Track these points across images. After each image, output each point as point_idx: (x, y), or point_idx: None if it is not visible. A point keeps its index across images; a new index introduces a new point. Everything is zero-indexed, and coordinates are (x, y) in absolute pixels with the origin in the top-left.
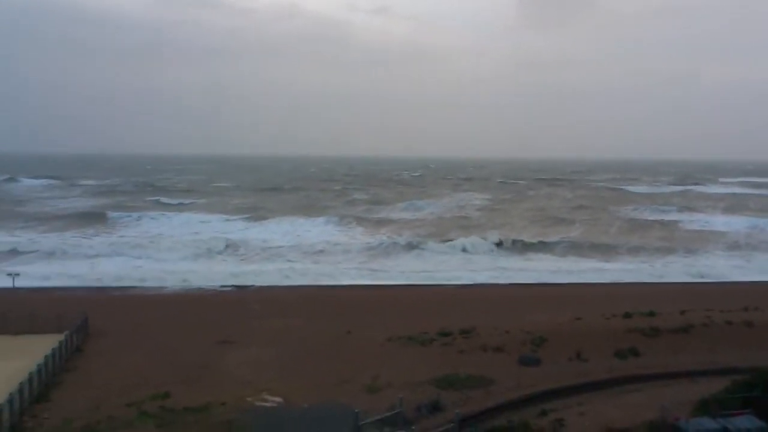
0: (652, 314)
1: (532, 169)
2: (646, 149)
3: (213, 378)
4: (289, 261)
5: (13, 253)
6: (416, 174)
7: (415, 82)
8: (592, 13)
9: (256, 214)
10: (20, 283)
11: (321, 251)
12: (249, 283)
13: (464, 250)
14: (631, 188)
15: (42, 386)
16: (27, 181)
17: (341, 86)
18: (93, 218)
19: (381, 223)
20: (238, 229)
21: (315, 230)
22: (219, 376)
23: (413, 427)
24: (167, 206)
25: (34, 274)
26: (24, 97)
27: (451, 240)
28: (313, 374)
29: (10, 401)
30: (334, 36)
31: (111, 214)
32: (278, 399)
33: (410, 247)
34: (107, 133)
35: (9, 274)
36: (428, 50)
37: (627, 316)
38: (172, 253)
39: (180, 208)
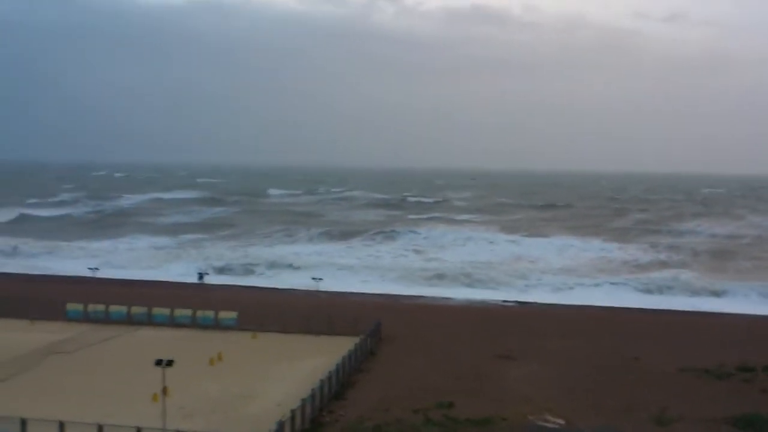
0: None
1: None
2: None
3: (494, 391)
4: (566, 278)
5: (315, 260)
6: (705, 191)
7: (717, 93)
8: None
9: (534, 230)
10: (323, 286)
11: (600, 271)
12: (528, 299)
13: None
14: None
15: (339, 385)
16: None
17: (629, 98)
18: (382, 233)
19: (662, 245)
20: (512, 243)
21: (592, 249)
22: (500, 390)
23: None
24: (445, 221)
25: (335, 280)
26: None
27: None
28: (596, 398)
29: (312, 397)
30: (622, 46)
31: (397, 228)
32: (560, 421)
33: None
34: (371, 148)
35: (313, 278)
36: (732, 58)
37: None
38: (453, 265)
39: (458, 223)
